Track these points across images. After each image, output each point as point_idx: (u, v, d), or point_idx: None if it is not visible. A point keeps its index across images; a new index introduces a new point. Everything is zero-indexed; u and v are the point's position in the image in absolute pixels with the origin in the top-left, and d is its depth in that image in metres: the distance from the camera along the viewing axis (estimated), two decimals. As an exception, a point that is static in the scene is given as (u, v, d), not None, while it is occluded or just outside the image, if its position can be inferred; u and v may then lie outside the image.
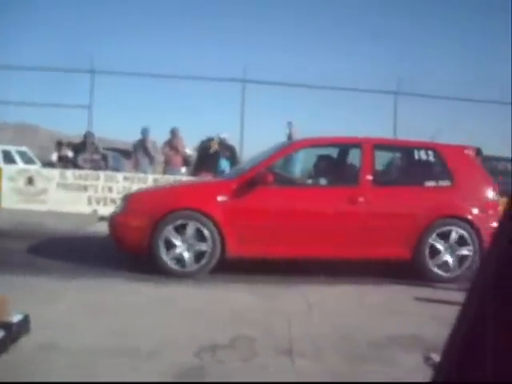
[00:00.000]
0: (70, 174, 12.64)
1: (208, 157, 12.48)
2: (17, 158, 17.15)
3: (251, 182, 6.71)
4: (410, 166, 7.59)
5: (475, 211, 7.01)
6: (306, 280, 6.55)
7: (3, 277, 5.97)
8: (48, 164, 15.46)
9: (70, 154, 14.14)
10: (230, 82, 14.16)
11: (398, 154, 8.13)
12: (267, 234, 6.70)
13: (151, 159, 12.84)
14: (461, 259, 6.87)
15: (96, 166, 13.45)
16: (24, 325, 4.06)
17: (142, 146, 12.71)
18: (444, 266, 6.88)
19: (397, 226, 6.88)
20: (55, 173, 12.84)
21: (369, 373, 3.80)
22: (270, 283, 6.34)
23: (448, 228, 6.89)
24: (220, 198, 6.66)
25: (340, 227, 6.82)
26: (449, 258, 6.88)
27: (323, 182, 7.30)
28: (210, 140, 13.46)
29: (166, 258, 6.44)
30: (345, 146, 7.98)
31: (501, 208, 7.61)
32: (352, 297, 6.02)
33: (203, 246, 6.48)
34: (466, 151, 7.47)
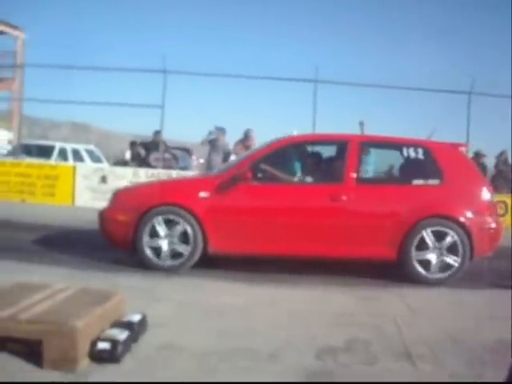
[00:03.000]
0: (142, 172, 12.84)
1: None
2: (85, 156, 17.51)
3: (233, 178, 6.74)
4: (398, 163, 7.43)
5: (466, 211, 6.76)
6: (399, 283, 6.51)
7: (95, 275, 6.12)
8: (120, 162, 15.75)
9: (142, 152, 14.37)
10: (302, 82, 14.15)
11: (386, 152, 7.92)
12: (247, 230, 6.72)
13: (224, 159, 12.89)
14: (446, 265, 6.64)
15: (167, 165, 13.62)
16: (143, 324, 4.12)
17: (215, 145, 12.78)
18: (426, 264, 6.64)
19: (381, 225, 6.73)
20: (128, 171, 13.06)
21: (494, 378, 3.71)
22: (364, 285, 6.34)
23: (435, 228, 6.65)
24: (202, 194, 6.73)
25: (321, 225, 6.73)
26: (433, 259, 6.64)
27: (307, 178, 7.24)
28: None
29: (148, 251, 6.60)
30: (332, 143, 7.90)
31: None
32: (451, 300, 5.93)
33: (182, 245, 6.61)
34: (459, 149, 7.25)
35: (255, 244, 6.70)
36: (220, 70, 17.31)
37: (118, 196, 7.25)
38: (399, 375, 3.67)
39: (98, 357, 3.53)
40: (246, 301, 5.35)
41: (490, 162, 15.47)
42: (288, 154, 7.90)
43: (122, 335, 3.69)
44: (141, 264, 6.63)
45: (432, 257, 6.64)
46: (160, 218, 6.63)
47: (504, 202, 13.74)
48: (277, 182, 7.11)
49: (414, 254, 6.62)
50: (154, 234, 6.62)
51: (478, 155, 14.99)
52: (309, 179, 7.24)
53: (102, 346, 3.56)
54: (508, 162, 15.18)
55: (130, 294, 4.70)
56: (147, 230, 6.61)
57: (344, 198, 6.71)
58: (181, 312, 4.85)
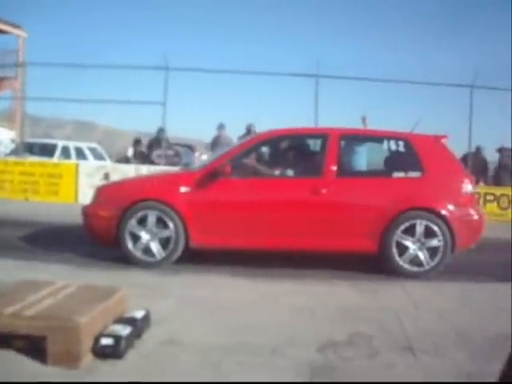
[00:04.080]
0: (145, 169, 12.86)
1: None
2: (88, 154, 17.54)
3: (212, 173, 6.75)
4: (378, 156, 7.42)
5: (447, 203, 6.71)
6: (402, 276, 6.52)
7: (97, 272, 6.16)
8: (123, 160, 15.79)
9: (144, 149, 14.40)
10: (303, 77, 14.15)
11: (366, 145, 7.96)
12: (227, 225, 6.73)
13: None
14: (427, 258, 6.58)
15: (170, 162, 13.64)
16: (146, 320, 4.14)
17: (218, 142, 12.83)
18: (408, 257, 6.60)
19: (361, 218, 6.71)
20: (131, 168, 13.08)
21: (497, 372, 3.71)
22: (366, 279, 6.36)
23: (416, 221, 6.60)
24: (183, 189, 6.75)
25: (301, 219, 6.72)
26: (414, 251, 6.59)
27: (288, 172, 7.24)
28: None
29: (130, 247, 6.64)
30: (312, 137, 7.95)
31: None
32: (456, 294, 5.93)
33: (165, 241, 6.63)
34: (440, 141, 7.17)
35: (236, 238, 6.71)
36: (221, 67, 17.29)
37: (101, 192, 7.26)
38: (401, 369, 3.68)
39: (101, 352, 3.55)
40: (249, 296, 5.38)
41: (491, 155, 15.51)
42: (268, 148, 7.91)
43: (124, 331, 3.71)
44: (124, 259, 6.64)
45: (413, 249, 6.61)
46: (141, 214, 6.65)
47: (507, 196, 13.73)
48: (257, 176, 7.14)
49: (395, 247, 6.60)
50: (135, 230, 6.65)
51: (478, 151, 15.04)
52: (289, 173, 7.26)
53: (105, 341, 3.58)
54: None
55: (134, 290, 4.72)
56: (129, 225, 6.63)
57: (324, 191, 6.70)
58: (184, 308, 4.87)
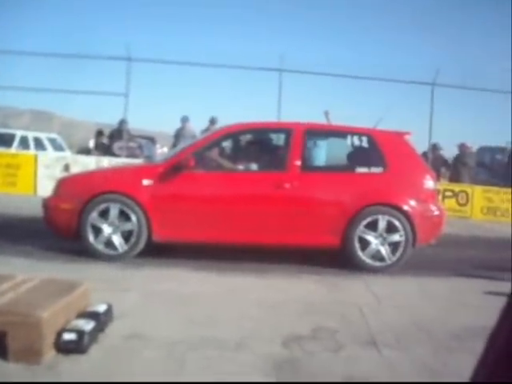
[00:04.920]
0: (106, 161, 12.69)
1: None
2: (47, 144, 17.22)
3: (176, 166, 6.71)
4: (342, 151, 7.49)
5: (408, 199, 6.82)
6: (366, 271, 6.58)
7: (59, 265, 6.05)
8: (84, 151, 15.55)
9: (105, 141, 14.21)
10: (267, 71, 14.16)
11: (330, 140, 8.05)
12: (190, 218, 6.69)
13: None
14: (388, 253, 6.68)
15: (131, 154, 13.50)
16: (109, 314, 4.08)
17: (181, 134, 12.75)
18: (369, 251, 6.69)
19: (324, 213, 6.76)
20: (92, 160, 12.90)
21: (459, 365, 3.77)
22: (331, 273, 6.40)
23: (378, 216, 6.70)
24: (146, 182, 6.69)
25: (265, 213, 6.74)
26: (375, 246, 6.69)
27: (252, 167, 7.26)
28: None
29: (92, 240, 6.57)
30: (276, 131, 7.98)
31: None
32: (417, 289, 6.01)
33: (127, 234, 6.57)
34: (403, 138, 7.28)
35: (199, 232, 6.68)
36: (185, 59, 17.20)
37: (62, 184, 7.12)
38: (365, 362, 3.71)
39: (63, 348, 3.49)
40: (214, 290, 5.36)
41: (450, 152, 15.78)
42: (232, 142, 7.87)
43: (87, 326, 3.66)
44: (86, 252, 6.54)
45: (375, 244, 6.68)
46: (103, 206, 6.57)
47: (465, 192, 13.99)
48: (220, 170, 7.13)
49: (357, 242, 6.67)
50: (97, 222, 6.56)
51: (435, 147, 15.29)
52: (253, 167, 7.25)
53: (68, 336, 3.52)
54: (472, 155, 15.46)
55: (95, 284, 4.64)
56: (91, 218, 6.54)
57: (287, 185, 6.71)
58: (147, 302, 4.83)
